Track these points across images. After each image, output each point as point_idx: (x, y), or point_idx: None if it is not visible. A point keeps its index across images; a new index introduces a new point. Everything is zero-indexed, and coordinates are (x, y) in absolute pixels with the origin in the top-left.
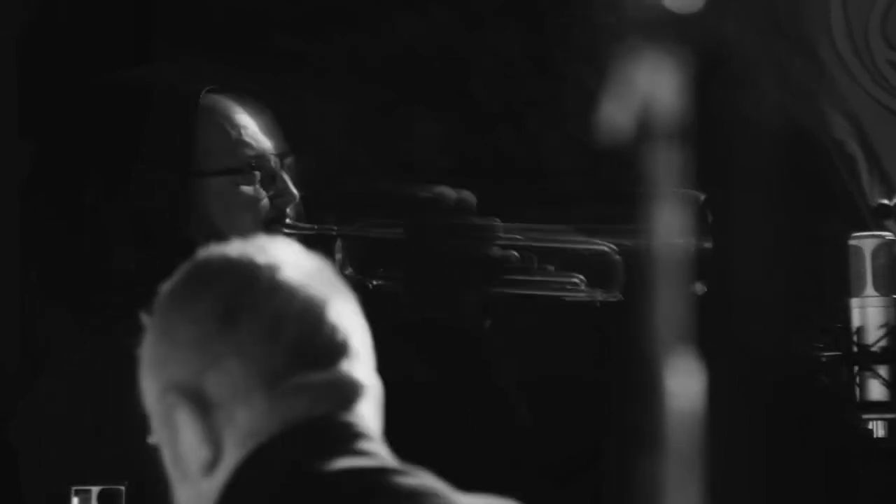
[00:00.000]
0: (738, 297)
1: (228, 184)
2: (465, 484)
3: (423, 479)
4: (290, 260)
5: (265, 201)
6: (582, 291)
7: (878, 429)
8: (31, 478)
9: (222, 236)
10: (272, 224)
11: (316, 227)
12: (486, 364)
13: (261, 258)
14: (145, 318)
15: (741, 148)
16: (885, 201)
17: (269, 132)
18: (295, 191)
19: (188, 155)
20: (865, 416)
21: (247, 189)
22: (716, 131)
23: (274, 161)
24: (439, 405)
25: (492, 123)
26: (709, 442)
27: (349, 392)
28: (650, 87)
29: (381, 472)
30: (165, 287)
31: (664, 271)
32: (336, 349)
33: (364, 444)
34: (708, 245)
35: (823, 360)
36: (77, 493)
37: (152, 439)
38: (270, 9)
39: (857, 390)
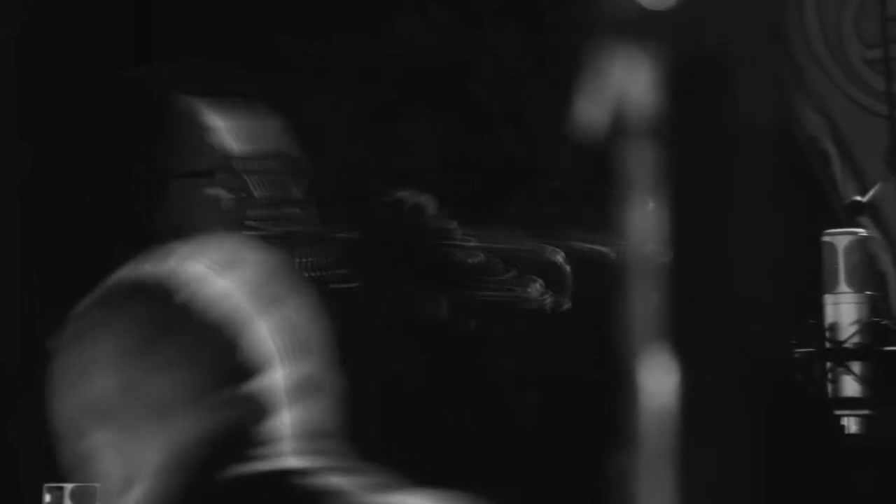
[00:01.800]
0: (728, 296)
1: (192, 186)
2: (465, 484)
3: (332, 479)
4: (207, 278)
5: (229, 203)
6: (534, 298)
7: (851, 425)
8: (32, 478)
9: (185, 237)
10: (234, 226)
11: (276, 228)
12: (485, 363)
13: (175, 278)
14: (52, 344)
15: (716, 145)
16: (859, 198)
17: (240, 134)
18: (258, 193)
19: (154, 156)
20: (839, 413)
21: (210, 191)
22: (690, 129)
23: (239, 163)
24: (438, 405)
25: (491, 123)
26: (701, 441)
27: (264, 405)
28: (625, 84)
29: (285, 474)
30: (78, 310)
31: (636, 271)
32: (253, 365)
33: (271, 450)
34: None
35: (797, 356)
36: (49, 490)
37: (64, 462)
38: (270, 9)
39: (831, 387)
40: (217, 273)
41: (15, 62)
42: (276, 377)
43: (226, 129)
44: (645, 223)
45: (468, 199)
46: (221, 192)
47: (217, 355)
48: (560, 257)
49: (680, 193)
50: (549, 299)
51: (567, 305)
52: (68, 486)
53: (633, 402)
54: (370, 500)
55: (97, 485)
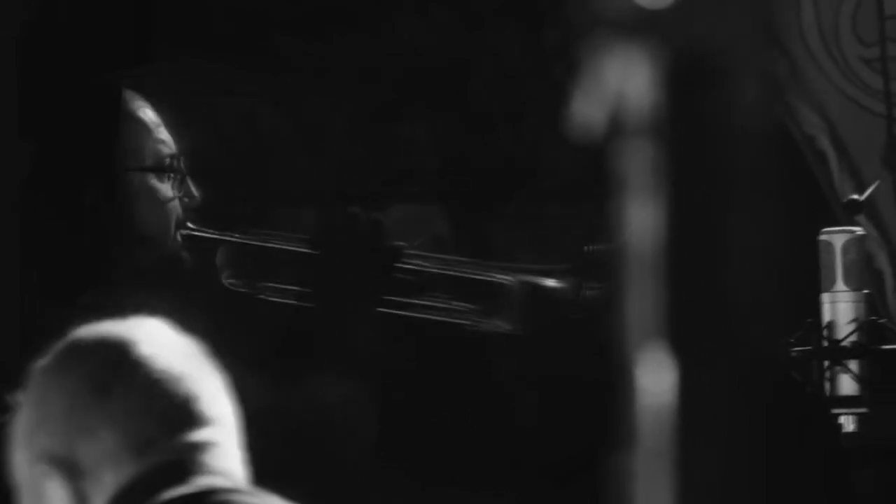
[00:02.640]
0: (725, 296)
1: (145, 181)
2: (466, 483)
3: (261, 499)
4: (159, 339)
5: (175, 201)
6: (473, 320)
7: (849, 424)
8: None
9: (139, 232)
10: (181, 225)
11: (216, 232)
12: (486, 364)
13: (131, 336)
14: (18, 396)
15: (713, 145)
16: (856, 197)
17: (172, 131)
18: (196, 192)
19: (112, 151)
20: (837, 412)
21: (160, 187)
22: (687, 128)
23: (183, 161)
24: (440, 405)
25: (491, 123)
26: (696, 440)
27: (202, 449)
28: (621, 84)
29: (213, 493)
30: (40, 363)
31: (634, 268)
32: (197, 416)
33: (206, 479)
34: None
35: (794, 355)
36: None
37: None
38: (270, 9)
39: (828, 386)
40: (169, 334)
41: (15, 62)
42: (225, 420)
43: (164, 126)
44: (642, 222)
45: (468, 199)
46: (168, 191)
47: (166, 406)
48: (510, 283)
49: (676, 192)
50: (491, 324)
51: (514, 330)
52: None
53: (632, 401)
54: None
55: None
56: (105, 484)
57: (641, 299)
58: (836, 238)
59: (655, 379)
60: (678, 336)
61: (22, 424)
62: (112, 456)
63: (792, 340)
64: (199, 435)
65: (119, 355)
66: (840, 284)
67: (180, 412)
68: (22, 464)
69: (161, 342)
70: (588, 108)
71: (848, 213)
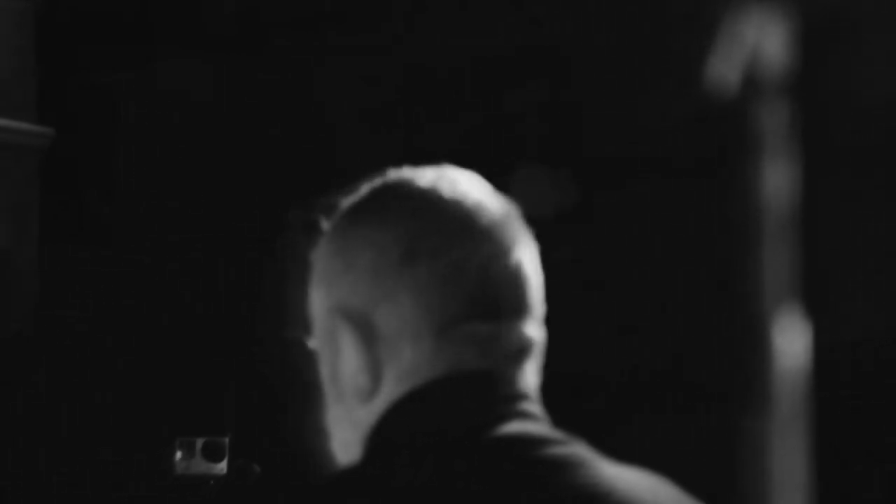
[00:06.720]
0: (858, 256)
1: None
2: None
3: (574, 448)
4: (480, 201)
5: None
6: None
7: None
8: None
9: None
10: None
11: None
12: None
13: (451, 195)
14: (325, 224)
15: (848, 111)
16: None
17: None
18: None
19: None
20: None
21: None
22: (823, 88)
23: None
24: None
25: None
26: (818, 401)
27: (519, 349)
28: (758, 43)
29: (542, 442)
30: (351, 201)
31: (770, 232)
32: (511, 302)
33: (528, 406)
34: None
35: None
36: (181, 444)
37: (312, 345)
38: (270, 9)
39: None
40: (491, 196)
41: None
42: (532, 320)
43: None
44: (777, 183)
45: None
46: None
47: (479, 284)
48: None
49: (811, 154)
50: None
51: None
52: (199, 441)
53: (768, 363)
54: (610, 472)
55: (226, 439)
56: (402, 359)
57: (777, 261)
58: None
59: (791, 341)
60: (813, 298)
61: (324, 265)
62: (410, 328)
63: None
64: (505, 327)
65: (436, 217)
66: None
67: (490, 293)
68: (319, 306)
69: (482, 206)
70: (724, 70)
71: None
